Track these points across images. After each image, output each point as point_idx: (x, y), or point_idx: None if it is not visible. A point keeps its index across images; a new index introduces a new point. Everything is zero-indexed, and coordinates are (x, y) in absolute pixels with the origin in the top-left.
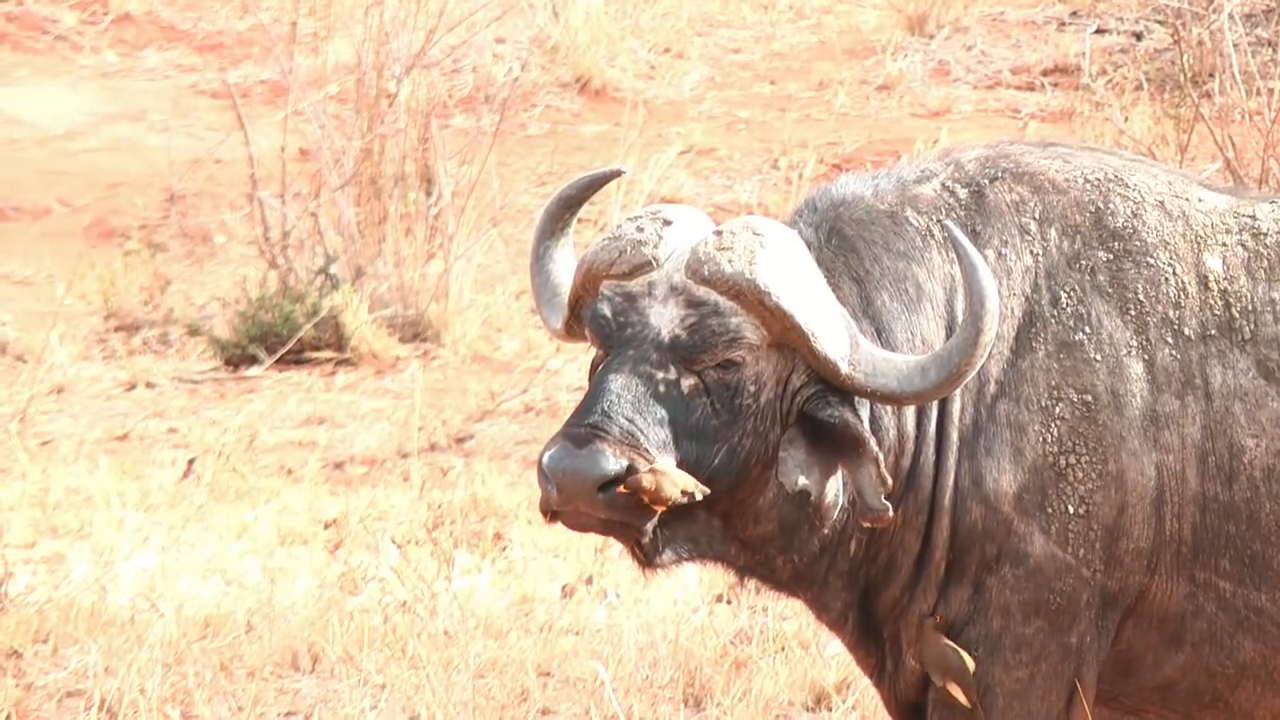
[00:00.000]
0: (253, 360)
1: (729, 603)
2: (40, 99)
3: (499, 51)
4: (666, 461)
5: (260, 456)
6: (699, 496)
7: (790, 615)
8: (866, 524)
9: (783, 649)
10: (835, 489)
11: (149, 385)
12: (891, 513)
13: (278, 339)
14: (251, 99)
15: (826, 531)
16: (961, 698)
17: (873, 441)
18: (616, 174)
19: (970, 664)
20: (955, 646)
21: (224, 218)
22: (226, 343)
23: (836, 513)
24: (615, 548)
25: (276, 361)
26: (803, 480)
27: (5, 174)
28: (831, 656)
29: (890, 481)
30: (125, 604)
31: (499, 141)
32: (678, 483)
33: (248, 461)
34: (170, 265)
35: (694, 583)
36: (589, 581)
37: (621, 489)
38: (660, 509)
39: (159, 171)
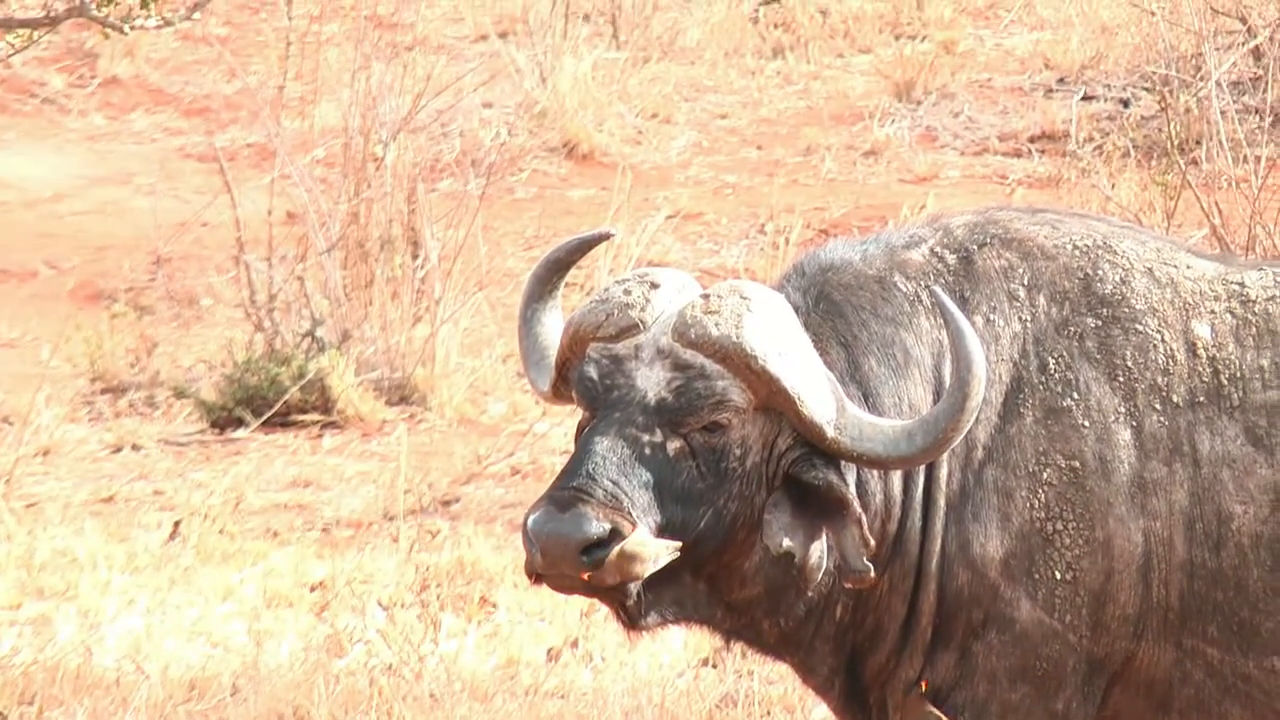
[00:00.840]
0: (239, 423)
1: (715, 666)
2: (27, 162)
3: (486, 116)
4: (639, 534)
5: (246, 519)
6: (668, 557)
7: (776, 679)
8: (849, 585)
9: (768, 713)
10: (820, 551)
11: (135, 447)
12: (874, 574)
13: (264, 402)
14: (238, 162)
15: (812, 595)
16: None
17: (856, 503)
18: (605, 237)
19: None
20: (939, 714)
21: (210, 281)
22: (213, 405)
23: (821, 575)
24: (601, 611)
25: (263, 424)
26: (787, 542)
27: None
28: None
29: (873, 543)
30: (111, 666)
31: (486, 205)
32: (646, 557)
33: (234, 524)
34: (157, 328)
35: (680, 646)
36: (574, 645)
37: (586, 575)
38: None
39: (146, 234)
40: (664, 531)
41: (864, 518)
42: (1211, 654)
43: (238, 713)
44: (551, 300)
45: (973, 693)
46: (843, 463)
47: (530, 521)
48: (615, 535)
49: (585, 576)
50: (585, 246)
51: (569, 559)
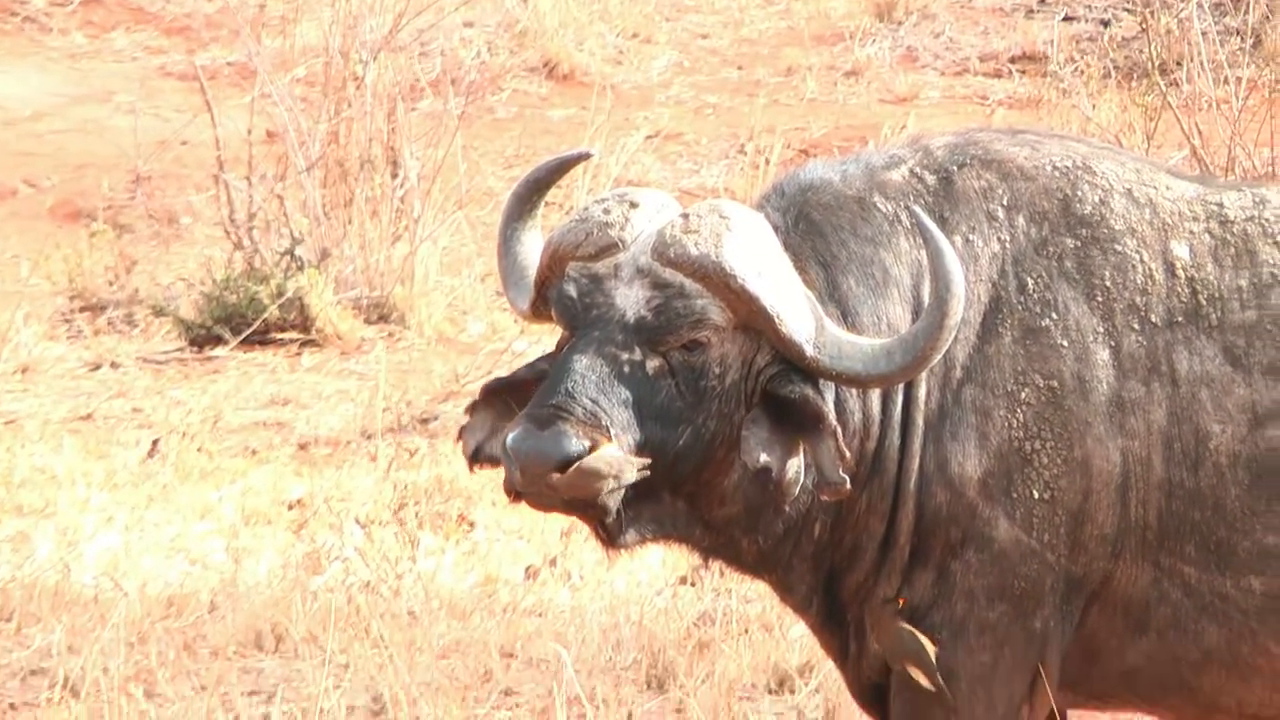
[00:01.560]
0: (218, 341)
1: (693, 585)
2: (8, 80)
3: (467, 36)
4: (602, 450)
5: (225, 437)
6: (634, 475)
7: (754, 598)
8: (826, 498)
9: (746, 631)
10: (796, 466)
11: (114, 365)
12: (849, 487)
13: (243, 320)
14: (219, 81)
15: (790, 513)
16: (925, 683)
17: (832, 415)
18: (584, 157)
19: (930, 648)
20: (913, 630)
21: (190, 199)
22: (192, 323)
23: (798, 490)
24: (580, 530)
25: (241, 342)
26: (764, 458)
27: None
28: (795, 639)
29: (849, 455)
30: (89, 583)
31: (466, 125)
32: (607, 472)
33: (212, 442)
34: (136, 246)
35: (658, 565)
36: (553, 563)
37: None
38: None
39: (125, 153)
40: (643, 449)
41: (839, 430)
42: (1189, 573)
43: (215, 630)
44: (531, 220)
45: (950, 611)
46: (821, 382)
47: (509, 439)
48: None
49: (552, 483)
50: (565, 166)
51: (548, 476)
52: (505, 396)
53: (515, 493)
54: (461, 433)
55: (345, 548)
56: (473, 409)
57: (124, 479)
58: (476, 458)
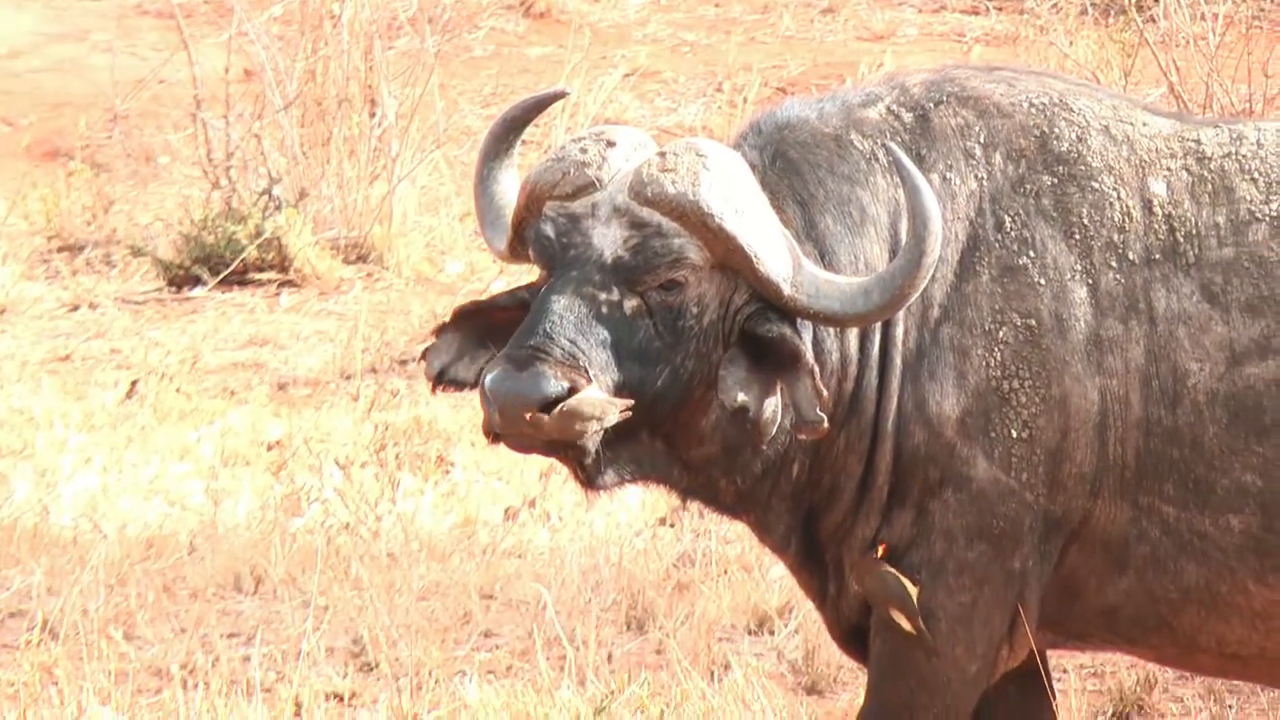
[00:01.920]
0: (196, 281)
1: (672, 526)
2: None
3: None
4: (586, 392)
5: (203, 378)
6: (616, 416)
7: (733, 539)
8: (804, 436)
9: (725, 572)
10: (774, 405)
11: (92, 306)
12: (826, 425)
13: (221, 260)
14: (195, 19)
15: (769, 453)
16: (906, 624)
17: (809, 353)
18: (560, 95)
19: (913, 591)
20: (897, 573)
21: (168, 138)
22: (170, 263)
23: (775, 429)
24: (559, 471)
25: (220, 282)
26: (742, 396)
27: None
28: (774, 580)
29: (825, 394)
30: (68, 525)
31: (443, 63)
32: (589, 414)
33: (191, 382)
34: (113, 185)
35: (637, 506)
36: (532, 504)
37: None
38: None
39: (103, 91)
40: (621, 390)
41: (816, 369)
42: (1168, 512)
43: (195, 571)
44: (507, 159)
45: (929, 551)
46: (799, 321)
47: (488, 380)
48: (573, 394)
49: (530, 423)
50: (540, 105)
51: (529, 416)
52: (477, 320)
53: (494, 434)
54: (426, 354)
55: (324, 489)
56: (440, 330)
57: (102, 420)
58: (440, 379)
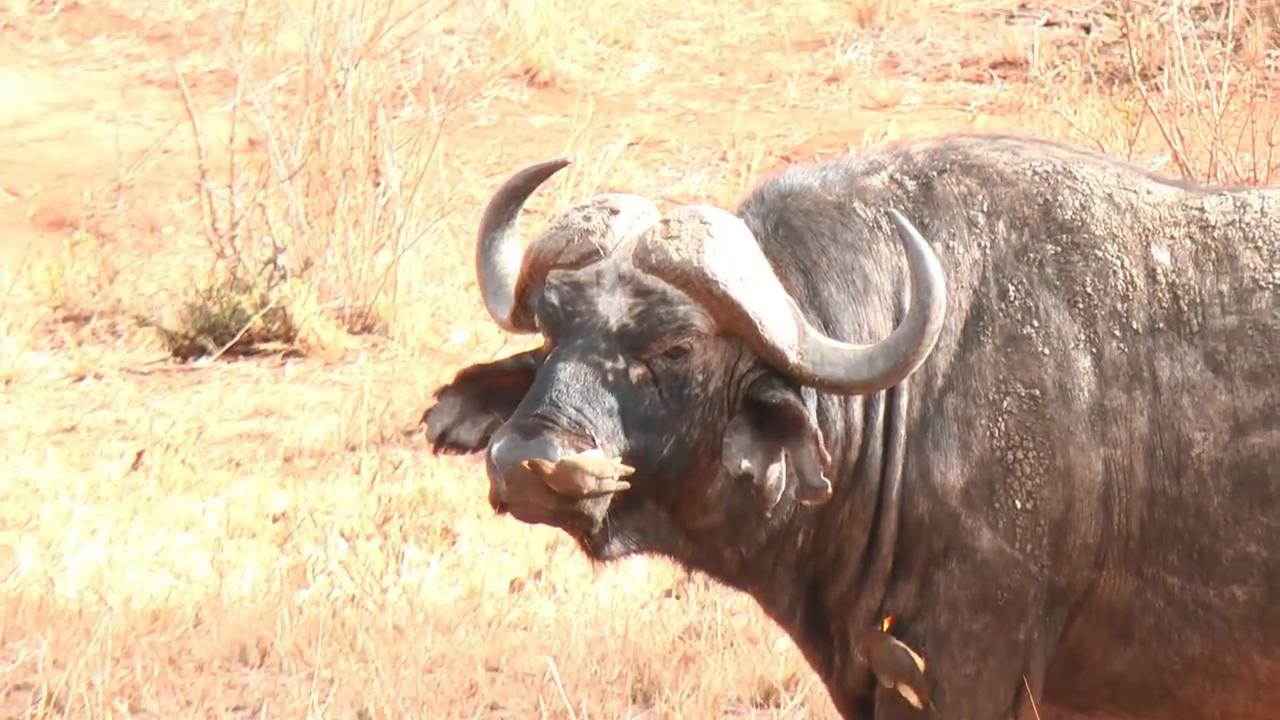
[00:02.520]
0: (201, 351)
1: (678, 598)
2: None
3: (448, 42)
4: (591, 452)
5: (208, 448)
6: (615, 480)
7: (739, 610)
8: (807, 502)
9: (731, 644)
10: (778, 473)
11: (97, 376)
12: (830, 490)
13: (226, 330)
14: (200, 89)
15: (773, 522)
16: (913, 698)
17: (813, 419)
18: (562, 164)
19: (921, 664)
20: (905, 647)
21: (172, 208)
22: (175, 334)
23: (779, 497)
24: (564, 543)
25: (225, 352)
26: (746, 464)
27: None
28: (780, 652)
29: (829, 460)
30: (73, 596)
31: (447, 132)
32: (589, 470)
33: (196, 453)
34: (118, 255)
35: (643, 578)
36: (537, 576)
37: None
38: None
39: (107, 161)
40: (628, 458)
41: (820, 433)
42: (1172, 582)
43: (201, 644)
44: (509, 228)
45: (934, 622)
46: (803, 389)
47: (495, 449)
48: None
49: (530, 473)
50: (542, 174)
51: (534, 486)
52: (480, 384)
53: (501, 504)
54: (428, 415)
55: (330, 561)
56: (442, 392)
57: (107, 491)
58: (442, 441)
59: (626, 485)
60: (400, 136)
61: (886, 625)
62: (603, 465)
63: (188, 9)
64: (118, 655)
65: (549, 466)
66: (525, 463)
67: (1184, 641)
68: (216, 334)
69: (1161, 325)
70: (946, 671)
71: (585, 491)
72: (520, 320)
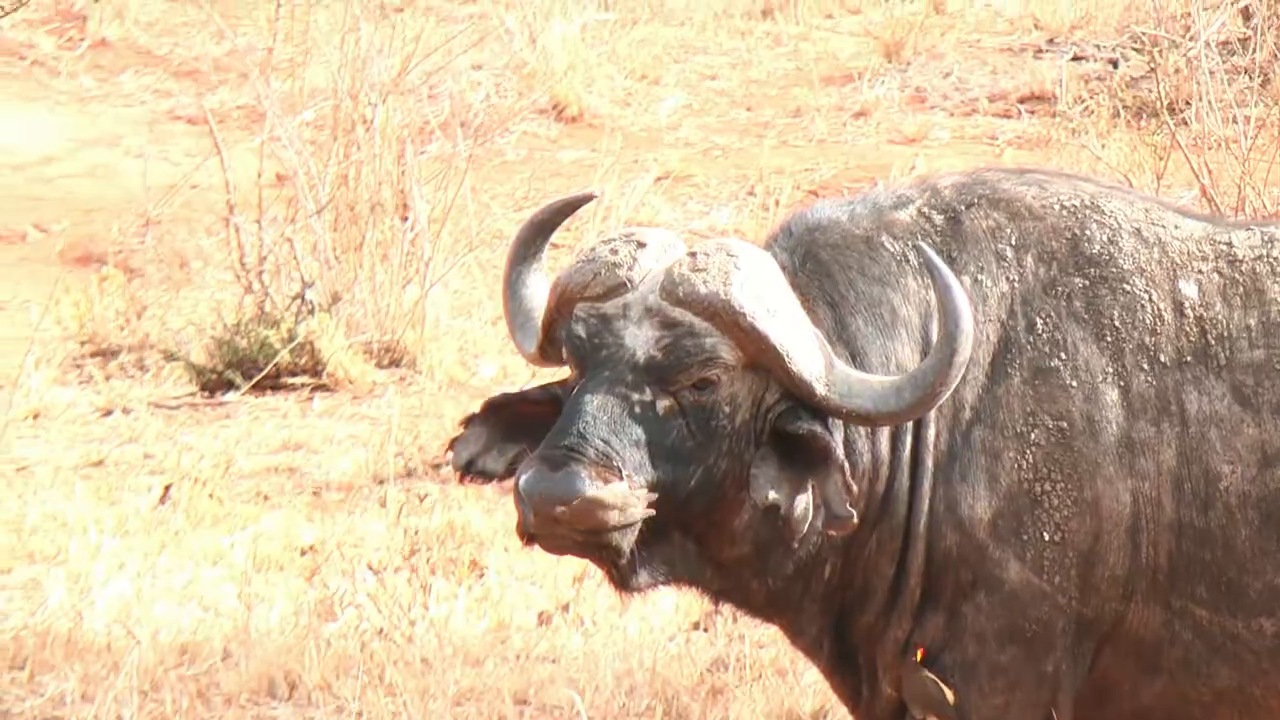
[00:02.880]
0: (229, 386)
1: (706, 630)
2: (16, 124)
3: (475, 78)
4: (615, 486)
5: (236, 482)
6: (640, 508)
7: (767, 643)
8: (834, 533)
9: (759, 676)
10: (805, 503)
11: (125, 411)
12: (856, 520)
13: (254, 364)
14: (228, 124)
15: (800, 553)
16: None
17: (839, 449)
18: (588, 198)
19: (951, 697)
20: (937, 679)
21: (200, 243)
22: (203, 368)
23: (805, 528)
24: (592, 575)
25: (253, 387)
26: (773, 495)
27: None
28: (808, 684)
29: (855, 489)
30: (101, 630)
31: (475, 167)
32: (613, 503)
33: (224, 487)
34: (146, 290)
35: (671, 610)
36: (565, 609)
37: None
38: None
39: (135, 197)
40: (655, 490)
41: (846, 464)
42: (1200, 614)
43: (229, 677)
44: (536, 262)
45: (962, 654)
46: (830, 421)
47: (522, 481)
48: None
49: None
50: (568, 208)
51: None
52: (506, 413)
53: (529, 535)
54: (454, 444)
55: (358, 594)
56: (468, 421)
57: (136, 525)
58: (468, 470)
59: (652, 512)
60: (428, 171)
61: (919, 657)
62: (624, 496)
63: (215, 45)
64: (146, 689)
65: (565, 511)
66: (554, 512)
67: (1212, 673)
68: (244, 368)
69: (1189, 359)
70: (975, 703)
71: (610, 525)
72: (547, 354)
